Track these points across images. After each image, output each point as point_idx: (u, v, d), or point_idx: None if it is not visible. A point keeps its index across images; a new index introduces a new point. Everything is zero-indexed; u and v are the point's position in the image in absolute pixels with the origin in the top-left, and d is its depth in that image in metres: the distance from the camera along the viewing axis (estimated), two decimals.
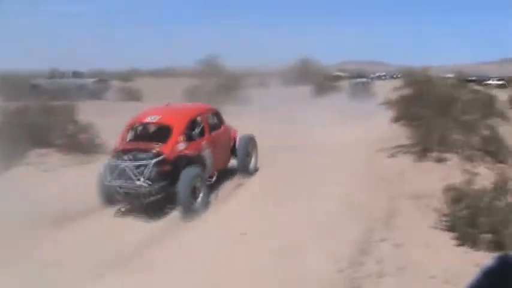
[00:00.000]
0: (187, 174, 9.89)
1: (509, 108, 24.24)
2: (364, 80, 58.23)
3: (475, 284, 1.39)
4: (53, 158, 14.61)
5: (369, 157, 15.10)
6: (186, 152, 10.43)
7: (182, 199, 9.73)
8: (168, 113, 11.39)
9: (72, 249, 8.11)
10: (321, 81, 48.55)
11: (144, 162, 9.82)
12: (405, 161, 13.69)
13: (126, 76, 65.97)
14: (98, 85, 38.01)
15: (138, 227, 9.33)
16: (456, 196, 8.06)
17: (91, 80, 38.75)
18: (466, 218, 7.53)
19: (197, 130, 11.28)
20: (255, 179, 12.70)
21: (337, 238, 8.11)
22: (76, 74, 38.02)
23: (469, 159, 13.02)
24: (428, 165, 13.02)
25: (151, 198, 9.92)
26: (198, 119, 11.57)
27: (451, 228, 7.92)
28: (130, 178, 9.75)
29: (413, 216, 9.19)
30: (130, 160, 9.95)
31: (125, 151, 10.23)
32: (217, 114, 12.70)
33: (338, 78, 70.15)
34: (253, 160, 13.35)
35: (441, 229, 8.13)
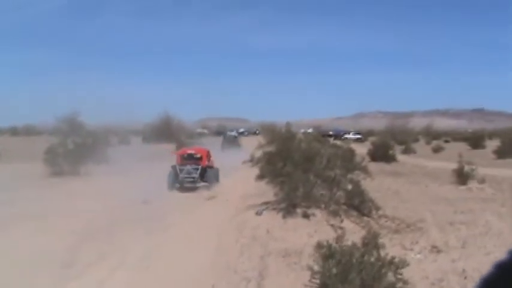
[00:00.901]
0: (210, 173, 22.49)
1: (369, 161, 25.54)
2: (234, 133, 61.28)
3: (488, 277, 1.42)
4: None
5: (236, 215, 14.93)
6: (209, 164, 23.20)
7: (210, 181, 22.01)
8: (198, 149, 26.27)
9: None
10: (183, 138, 48.71)
11: (196, 167, 22.22)
12: (273, 217, 13.60)
13: None
14: None
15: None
16: (327, 252, 8.00)
17: None
18: (338, 275, 7.47)
19: (210, 157, 23.97)
20: None
21: None
22: None
23: (335, 213, 13.27)
24: (296, 221, 13.02)
25: (197, 184, 21.97)
26: (209, 152, 24.54)
27: (323, 286, 7.80)
28: (190, 173, 22.04)
29: (285, 274, 9.00)
30: (190, 166, 22.22)
31: (183, 164, 22.38)
32: (210, 153, 24.66)
33: (201, 134, 71.22)
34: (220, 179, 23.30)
35: (314, 287, 8.01)
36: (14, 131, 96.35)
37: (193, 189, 21.60)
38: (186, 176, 22.00)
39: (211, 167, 23.02)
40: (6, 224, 13.53)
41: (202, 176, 22.23)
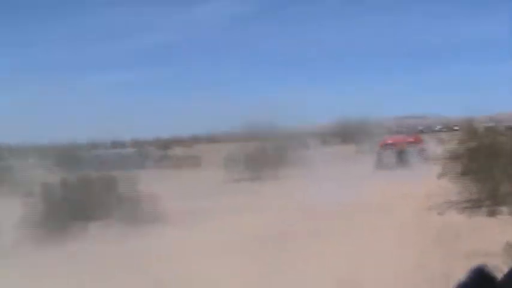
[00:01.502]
0: (407, 155, 30.19)
1: None
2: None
3: None
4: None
5: (420, 214, 14.77)
6: (405, 148, 31.58)
7: (408, 162, 29.18)
8: (396, 137, 38.26)
9: None
10: (370, 139, 46.15)
11: (394, 150, 31.05)
12: (457, 217, 13.35)
13: (166, 144, 66.72)
14: (138, 154, 38.88)
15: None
16: None
17: (132, 149, 39.56)
18: None
19: (407, 144, 32.80)
20: None
21: None
22: (115, 144, 38.92)
23: None
24: (481, 220, 12.67)
25: (399, 163, 29.43)
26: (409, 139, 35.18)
27: None
28: (390, 156, 30.23)
29: None
30: (390, 150, 31.27)
31: (384, 149, 31.56)
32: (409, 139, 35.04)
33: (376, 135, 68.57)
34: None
35: None
36: (196, 139, 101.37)
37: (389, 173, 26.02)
38: (386, 157, 30.24)
39: (407, 151, 30.96)
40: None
41: (400, 158, 30.21)
